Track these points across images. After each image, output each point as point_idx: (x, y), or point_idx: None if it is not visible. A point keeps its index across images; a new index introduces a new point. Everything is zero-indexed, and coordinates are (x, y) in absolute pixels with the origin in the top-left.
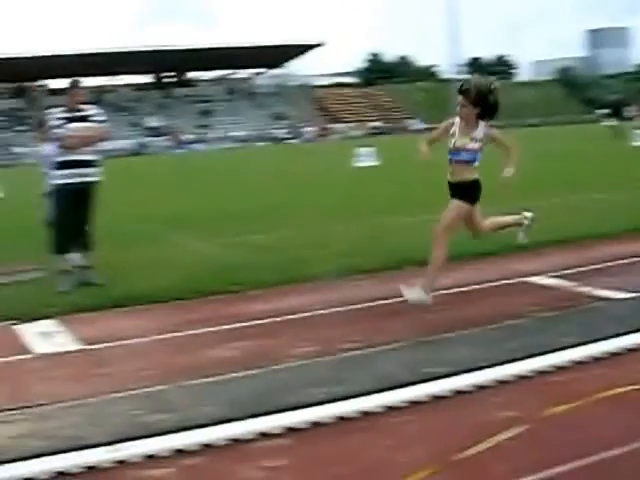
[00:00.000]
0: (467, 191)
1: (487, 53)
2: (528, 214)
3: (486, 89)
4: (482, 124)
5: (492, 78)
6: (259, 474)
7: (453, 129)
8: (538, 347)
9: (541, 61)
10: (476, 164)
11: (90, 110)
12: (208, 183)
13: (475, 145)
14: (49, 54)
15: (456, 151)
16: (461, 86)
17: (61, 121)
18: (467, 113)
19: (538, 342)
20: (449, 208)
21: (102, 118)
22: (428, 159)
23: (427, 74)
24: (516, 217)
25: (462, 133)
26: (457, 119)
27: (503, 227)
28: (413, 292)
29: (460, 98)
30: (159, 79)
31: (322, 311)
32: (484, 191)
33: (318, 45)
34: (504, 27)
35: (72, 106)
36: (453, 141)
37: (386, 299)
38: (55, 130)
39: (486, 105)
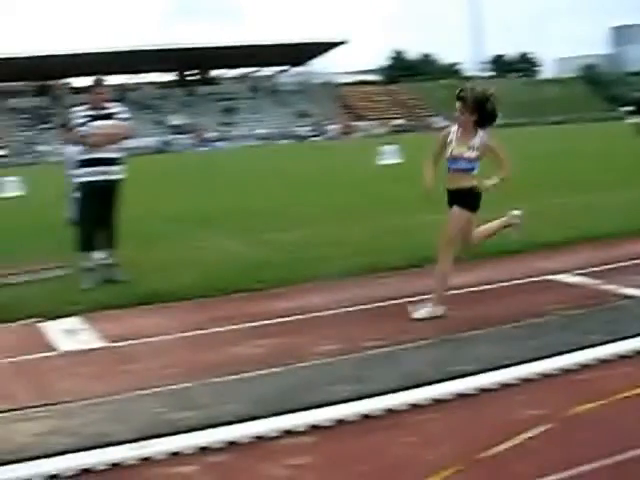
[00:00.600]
0: (466, 198)
1: (510, 50)
2: (517, 212)
3: (483, 97)
4: (480, 132)
5: (490, 86)
6: (283, 472)
7: (451, 137)
8: (563, 345)
9: (565, 58)
10: (474, 172)
11: (114, 108)
12: (231, 181)
13: (472, 154)
14: (73, 52)
15: (453, 159)
16: (459, 92)
17: (85, 119)
18: (464, 120)
19: (563, 340)
20: (450, 220)
21: (126, 116)
22: (431, 189)
23: (450, 72)
24: (504, 219)
25: (459, 141)
26: (455, 126)
27: (494, 234)
28: (420, 312)
29: (458, 105)
30: (183, 77)
31: (346, 309)
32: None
33: (341, 43)
34: (527, 24)
35: (96, 104)
36: (451, 149)
37: (410, 297)
38: (79, 128)
39: (483, 113)
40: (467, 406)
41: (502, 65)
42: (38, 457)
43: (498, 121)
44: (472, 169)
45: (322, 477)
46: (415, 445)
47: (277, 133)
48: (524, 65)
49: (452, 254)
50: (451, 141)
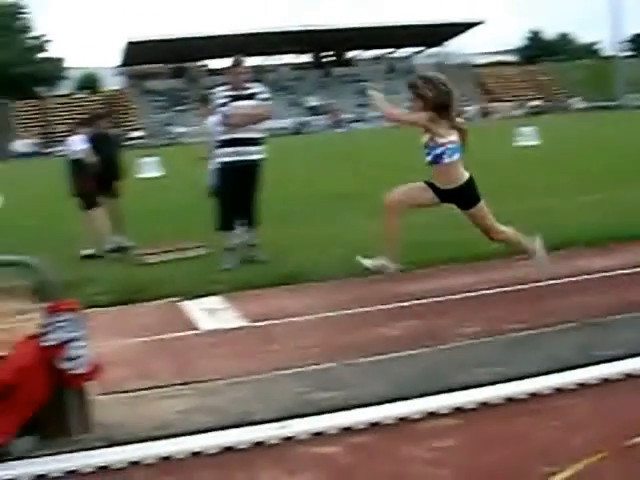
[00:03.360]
0: (461, 195)
1: None
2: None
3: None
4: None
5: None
6: (427, 454)
7: None
8: None
9: None
10: (447, 160)
11: (255, 88)
12: (368, 161)
13: (425, 138)
14: (209, 34)
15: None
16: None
17: (226, 99)
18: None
19: None
20: (473, 219)
21: (266, 96)
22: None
23: (588, 52)
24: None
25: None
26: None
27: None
28: (542, 270)
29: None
30: (319, 58)
31: (488, 291)
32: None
33: (478, 23)
34: None
35: (237, 84)
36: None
37: (552, 279)
38: (220, 108)
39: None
40: (613, 391)
41: None
42: (181, 434)
43: (634, 102)
44: (439, 157)
45: (466, 460)
46: (559, 430)
47: None
48: None
49: (501, 228)
50: None
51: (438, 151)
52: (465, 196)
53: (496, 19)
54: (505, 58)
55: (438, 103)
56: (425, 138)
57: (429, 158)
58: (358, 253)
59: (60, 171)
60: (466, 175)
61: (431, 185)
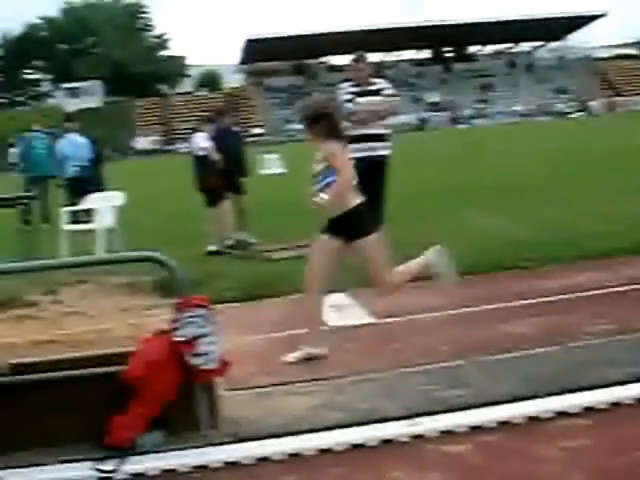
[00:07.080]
0: (349, 219)
1: None
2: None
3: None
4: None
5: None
6: (557, 454)
7: None
8: None
9: None
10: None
11: (379, 84)
12: (490, 157)
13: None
14: (329, 31)
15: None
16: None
17: (351, 95)
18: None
19: None
20: (367, 255)
21: (392, 92)
22: None
23: None
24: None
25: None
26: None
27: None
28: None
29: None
30: (439, 54)
31: (618, 288)
32: None
33: (600, 16)
34: None
35: (360, 80)
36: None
37: None
38: (345, 104)
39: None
40: None
41: None
42: (309, 431)
43: None
44: (331, 182)
45: (597, 461)
46: None
47: (535, 110)
48: None
49: (390, 279)
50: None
51: (334, 176)
52: (351, 223)
53: (618, 11)
54: (628, 51)
55: (333, 123)
56: (320, 166)
57: (319, 186)
58: (482, 250)
59: (183, 168)
60: (356, 200)
61: (329, 231)
